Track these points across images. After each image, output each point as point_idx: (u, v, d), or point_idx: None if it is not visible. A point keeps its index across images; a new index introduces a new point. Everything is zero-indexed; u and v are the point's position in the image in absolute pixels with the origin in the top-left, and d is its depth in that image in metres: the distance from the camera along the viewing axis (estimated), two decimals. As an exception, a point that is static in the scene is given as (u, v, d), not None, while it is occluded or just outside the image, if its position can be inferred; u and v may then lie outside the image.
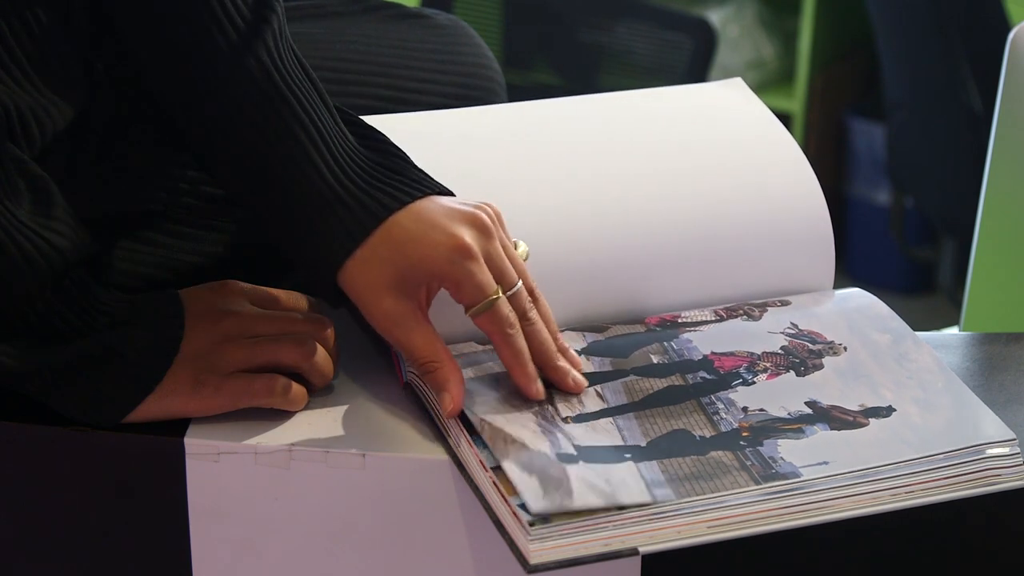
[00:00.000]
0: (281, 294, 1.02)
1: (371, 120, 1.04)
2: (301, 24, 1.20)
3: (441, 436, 0.96)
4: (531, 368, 0.97)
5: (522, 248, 1.02)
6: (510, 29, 2.48)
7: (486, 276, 0.96)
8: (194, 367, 0.96)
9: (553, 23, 2.47)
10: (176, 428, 0.96)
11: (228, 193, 1.05)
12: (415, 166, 1.00)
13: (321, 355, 0.99)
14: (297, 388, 0.98)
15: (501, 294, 0.96)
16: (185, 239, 1.08)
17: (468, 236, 0.96)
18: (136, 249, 1.06)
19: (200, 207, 1.08)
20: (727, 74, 3.12)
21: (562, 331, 1.02)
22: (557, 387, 0.98)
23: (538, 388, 0.97)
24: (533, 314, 0.98)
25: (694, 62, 2.32)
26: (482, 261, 0.96)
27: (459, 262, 0.95)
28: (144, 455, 0.96)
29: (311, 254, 0.98)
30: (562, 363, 0.99)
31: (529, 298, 0.99)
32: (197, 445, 0.96)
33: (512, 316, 0.97)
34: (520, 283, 0.98)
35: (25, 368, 0.93)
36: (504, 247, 0.99)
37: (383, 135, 1.02)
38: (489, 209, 0.99)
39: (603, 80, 2.43)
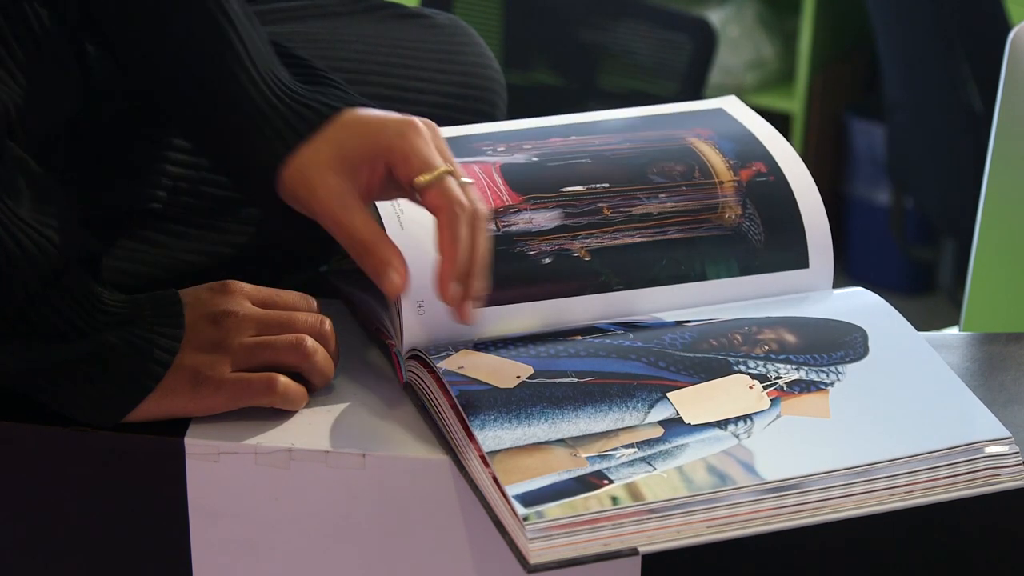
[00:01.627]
0: (281, 294, 1.02)
1: None
2: (301, 24, 1.20)
3: (441, 436, 0.96)
4: (463, 262, 0.95)
5: (465, 179, 1.01)
6: (510, 29, 2.47)
7: (434, 153, 0.95)
8: (194, 367, 0.96)
9: (553, 23, 2.47)
10: (176, 428, 0.96)
11: (171, 117, 1.04)
12: (350, 90, 1.01)
13: (321, 355, 0.99)
14: (297, 388, 0.98)
15: (454, 176, 0.96)
16: (185, 239, 1.08)
17: (418, 122, 0.96)
18: (136, 249, 1.06)
19: (200, 207, 1.08)
20: (727, 74, 3.13)
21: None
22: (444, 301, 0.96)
23: (453, 291, 0.95)
24: (481, 205, 0.97)
25: (694, 62, 2.32)
26: (431, 142, 0.96)
27: (407, 135, 0.95)
28: (144, 455, 0.96)
29: (250, 160, 0.98)
30: (476, 282, 0.96)
31: (477, 200, 0.97)
32: (197, 445, 0.96)
33: (464, 199, 0.95)
34: (471, 181, 0.97)
35: (25, 367, 0.93)
36: (442, 152, 0.98)
37: (321, 67, 1.03)
38: (428, 120, 0.99)
39: (603, 80, 2.43)
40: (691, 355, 1.00)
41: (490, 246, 0.99)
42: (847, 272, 3.22)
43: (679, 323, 1.04)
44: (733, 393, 0.97)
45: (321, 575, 0.98)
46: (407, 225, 1.03)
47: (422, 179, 0.95)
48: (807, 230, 1.11)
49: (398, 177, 0.97)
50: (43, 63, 0.95)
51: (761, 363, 1.00)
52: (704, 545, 0.90)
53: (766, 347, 1.02)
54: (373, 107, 1.00)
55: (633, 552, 0.89)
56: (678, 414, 0.95)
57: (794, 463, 0.93)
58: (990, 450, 0.95)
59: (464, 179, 0.97)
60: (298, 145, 0.97)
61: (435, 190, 0.95)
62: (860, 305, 1.08)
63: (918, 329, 1.06)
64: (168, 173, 1.07)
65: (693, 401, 0.96)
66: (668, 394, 0.97)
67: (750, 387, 0.98)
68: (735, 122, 1.16)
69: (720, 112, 1.17)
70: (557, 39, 2.48)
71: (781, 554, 0.96)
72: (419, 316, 1.01)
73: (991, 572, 1.00)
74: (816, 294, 1.10)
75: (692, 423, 0.95)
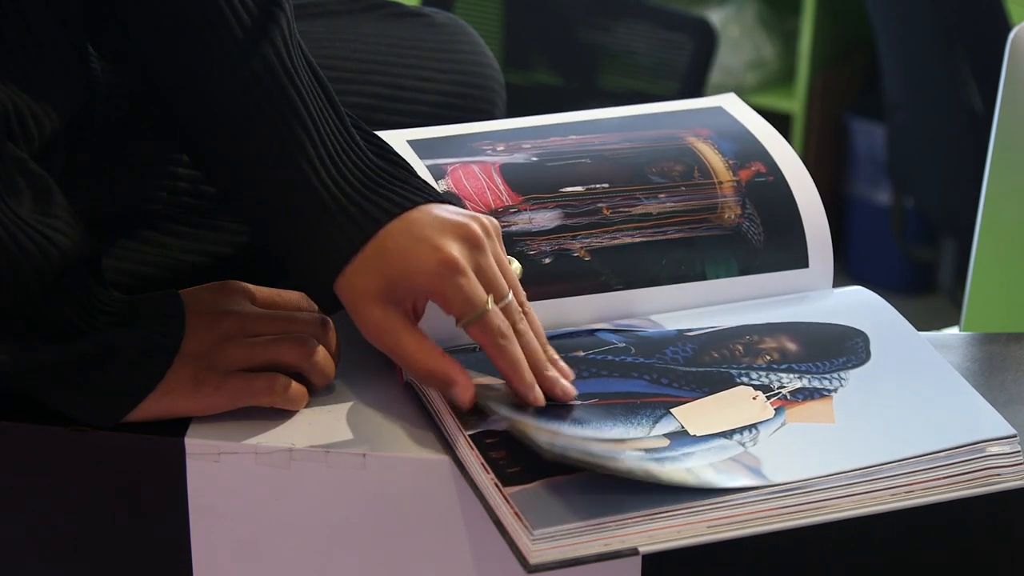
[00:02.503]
0: (282, 294, 1.02)
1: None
2: (301, 23, 1.20)
3: (441, 436, 0.96)
4: (528, 376, 0.97)
5: (515, 266, 1.02)
6: (510, 29, 2.48)
7: (474, 288, 0.95)
8: (195, 366, 0.96)
9: (553, 23, 2.47)
10: (176, 428, 0.96)
11: (226, 200, 1.03)
12: (416, 175, 1.00)
13: (322, 354, 0.99)
14: (297, 387, 0.98)
15: (492, 305, 0.96)
16: (185, 239, 1.08)
17: (455, 250, 0.95)
18: (136, 249, 1.06)
19: (200, 207, 1.08)
20: (727, 74, 3.13)
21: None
22: (547, 395, 0.97)
23: (537, 395, 0.97)
24: (523, 325, 0.98)
25: (694, 62, 2.32)
26: (470, 274, 0.95)
27: (445, 275, 0.95)
28: (144, 455, 0.96)
29: (308, 261, 0.97)
30: (551, 373, 0.98)
31: (520, 310, 0.98)
32: (197, 445, 0.96)
33: (504, 326, 0.96)
34: (511, 295, 0.97)
35: (25, 367, 0.93)
36: (497, 260, 0.98)
37: (387, 143, 1.01)
38: (485, 220, 0.98)
39: (603, 80, 2.43)
40: (693, 370, 1.00)
41: (542, 341, 0.99)
42: (847, 272, 3.22)
43: (681, 333, 1.04)
44: (737, 405, 0.97)
45: (321, 575, 0.98)
46: None
47: (463, 322, 0.96)
48: (807, 230, 1.11)
49: (443, 310, 0.97)
50: (44, 64, 0.95)
51: (764, 374, 1.00)
52: (704, 545, 0.90)
53: (768, 357, 1.02)
54: (441, 200, 0.98)
55: (633, 552, 0.88)
56: (683, 427, 0.95)
57: (801, 467, 0.93)
58: (992, 449, 0.95)
59: (506, 298, 0.97)
60: (351, 258, 0.96)
61: (475, 329, 0.96)
62: (860, 304, 1.08)
63: (918, 329, 1.06)
64: (168, 173, 1.07)
65: (697, 415, 0.96)
66: (672, 410, 0.97)
67: (753, 398, 0.98)
68: (734, 121, 1.16)
69: (719, 111, 1.17)
70: (557, 39, 2.48)
71: (781, 554, 0.96)
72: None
73: (992, 572, 1.00)
74: (816, 294, 1.10)
75: (697, 435, 0.95)
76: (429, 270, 0.95)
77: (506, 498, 0.90)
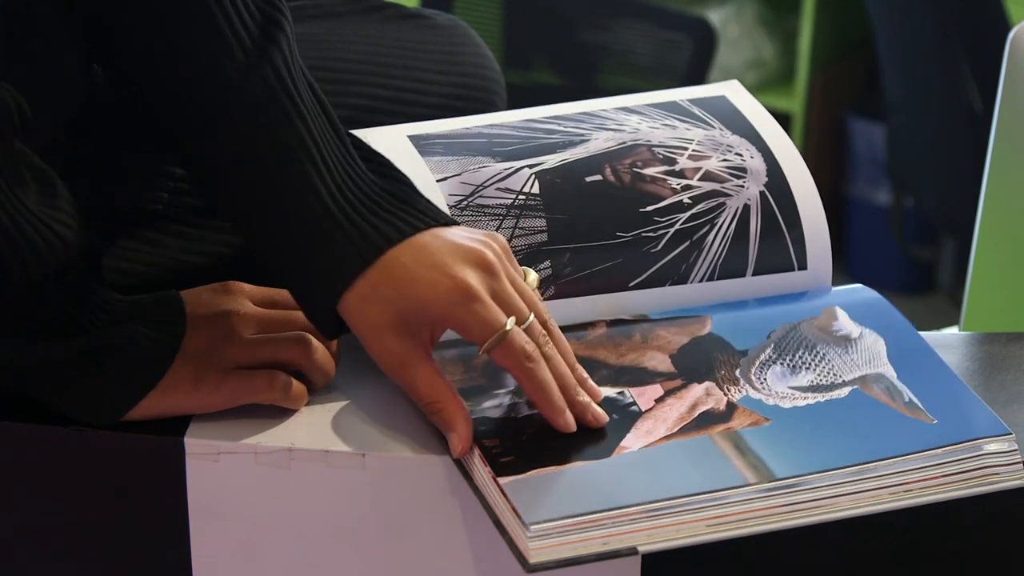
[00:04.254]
0: (282, 293, 1.02)
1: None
2: (301, 24, 1.20)
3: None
4: (558, 399, 0.94)
5: (532, 277, 1.00)
6: (510, 29, 2.48)
7: (493, 312, 0.93)
8: (195, 364, 0.96)
9: (553, 23, 2.47)
10: (176, 428, 0.96)
11: (228, 220, 1.02)
12: (421, 195, 0.98)
13: (322, 353, 1.00)
14: (297, 386, 0.98)
15: (512, 325, 0.93)
16: (185, 239, 1.08)
17: (471, 277, 0.93)
18: (136, 249, 1.06)
19: (200, 207, 1.08)
20: (727, 74, 3.13)
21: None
22: (578, 420, 0.95)
23: (567, 420, 0.94)
24: (549, 348, 0.95)
25: (694, 62, 2.32)
26: (487, 299, 0.93)
27: (462, 303, 0.93)
28: (144, 455, 0.96)
29: (309, 282, 0.96)
30: (583, 397, 0.95)
31: (543, 331, 0.96)
32: (197, 445, 0.96)
33: (529, 347, 0.93)
34: (532, 316, 0.95)
35: (26, 363, 0.93)
36: (512, 281, 0.96)
37: (390, 161, 0.99)
38: (494, 244, 0.96)
39: (603, 80, 2.43)
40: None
41: (570, 361, 0.97)
42: (847, 272, 3.22)
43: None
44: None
45: (321, 575, 0.98)
46: None
47: (485, 347, 0.93)
48: (806, 230, 1.11)
49: (463, 337, 0.95)
50: (49, 64, 0.95)
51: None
52: (704, 544, 0.90)
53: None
54: (446, 223, 0.97)
55: (633, 552, 0.89)
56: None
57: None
58: (989, 448, 0.95)
59: (527, 320, 0.95)
60: (352, 282, 0.94)
61: (499, 353, 0.93)
62: (858, 302, 1.08)
63: (918, 329, 1.06)
64: (169, 173, 1.07)
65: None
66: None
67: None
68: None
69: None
70: (557, 39, 2.48)
71: (781, 553, 0.96)
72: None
73: (991, 572, 1.00)
74: (814, 291, 1.10)
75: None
76: (443, 298, 0.93)
77: (505, 495, 0.90)
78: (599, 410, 0.96)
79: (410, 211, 0.96)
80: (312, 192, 0.95)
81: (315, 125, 0.96)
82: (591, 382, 0.98)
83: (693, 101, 1.16)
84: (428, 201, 0.98)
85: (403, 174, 0.99)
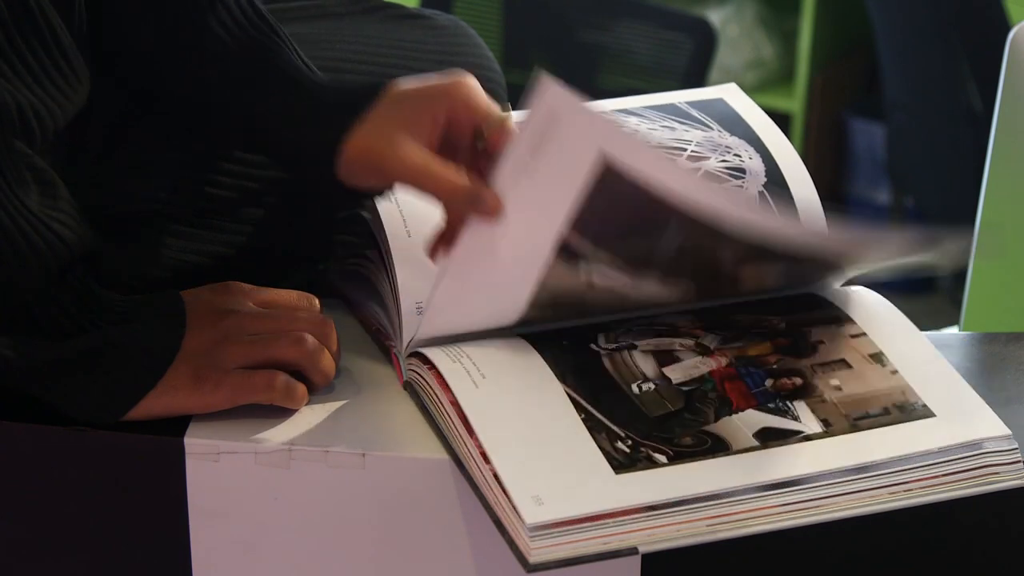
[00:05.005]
0: (282, 294, 1.02)
1: None
2: (301, 24, 1.20)
3: (441, 436, 0.97)
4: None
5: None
6: (510, 29, 2.48)
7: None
8: (195, 364, 0.96)
9: (553, 23, 2.47)
10: (176, 428, 0.97)
11: (229, 129, 1.07)
12: None
13: (322, 353, 1.00)
14: (298, 386, 0.98)
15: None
16: (185, 239, 1.08)
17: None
18: (136, 249, 1.06)
19: (200, 207, 1.08)
20: (727, 74, 3.13)
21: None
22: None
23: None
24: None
25: (694, 62, 2.32)
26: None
27: (463, 82, 1.00)
28: (144, 455, 0.96)
29: (319, 128, 1.01)
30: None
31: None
32: (197, 445, 0.96)
33: None
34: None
35: (27, 362, 0.93)
36: None
37: None
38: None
39: (603, 80, 2.43)
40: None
41: None
42: (847, 272, 3.21)
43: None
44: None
45: (321, 575, 0.98)
46: (413, 232, 1.03)
47: (487, 128, 0.99)
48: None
49: (459, 126, 1.00)
50: (52, 65, 0.95)
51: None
52: (704, 544, 0.90)
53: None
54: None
55: (633, 551, 0.89)
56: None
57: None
58: (989, 448, 0.95)
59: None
60: (362, 114, 1.00)
61: (500, 134, 0.99)
62: (861, 304, 1.08)
63: (918, 329, 1.06)
64: (168, 173, 1.08)
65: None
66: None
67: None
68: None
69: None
70: (557, 39, 2.48)
71: (781, 553, 0.96)
72: (419, 318, 1.01)
73: (991, 572, 1.00)
74: (809, 293, 1.10)
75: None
76: (444, 81, 1.01)
77: (506, 494, 0.90)
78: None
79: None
80: (307, 69, 1.04)
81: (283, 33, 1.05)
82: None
83: (691, 104, 1.17)
84: None
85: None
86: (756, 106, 1.17)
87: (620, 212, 0.97)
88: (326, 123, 1.01)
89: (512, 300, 1.00)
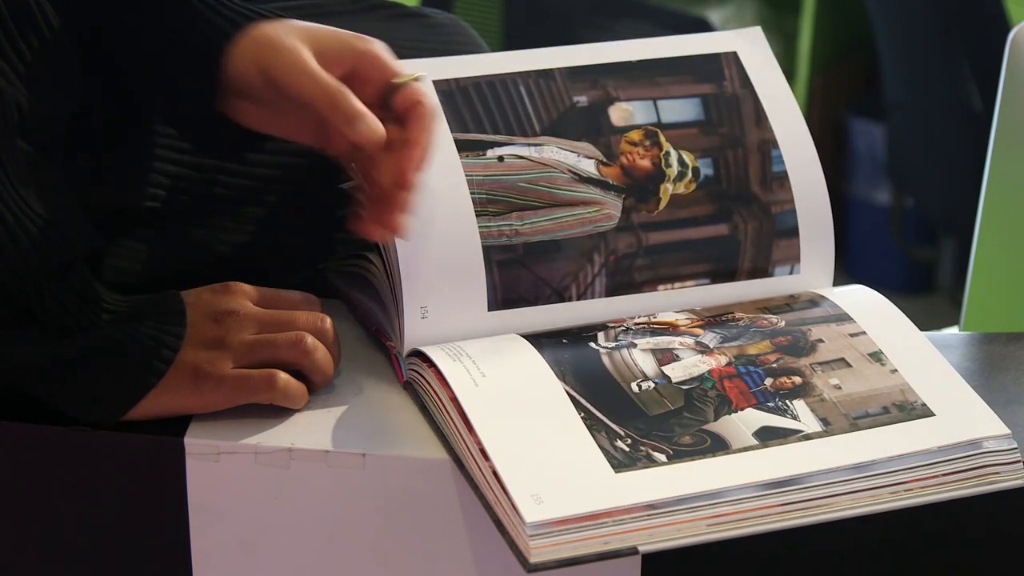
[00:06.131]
0: (282, 293, 1.02)
1: None
2: (301, 24, 1.20)
3: (441, 436, 0.97)
4: (424, 162, 0.98)
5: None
6: (510, 29, 2.48)
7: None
8: (195, 363, 0.96)
9: (553, 23, 2.47)
10: (176, 428, 0.97)
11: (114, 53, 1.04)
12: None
13: (322, 352, 1.00)
14: (297, 385, 0.98)
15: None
16: (185, 239, 1.08)
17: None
18: (136, 249, 1.06)
19: (200, 207, 1.08)
20: (727, 74, 3.12)
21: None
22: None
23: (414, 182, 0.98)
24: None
25: (694, 62, 2.31)
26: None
27: (375, 42, 0.99)
28: (144, 455, 0.96)
29: (200, 36, 0.98)
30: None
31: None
32: (197, 445, 0.96)
33: (434, 96, 1.01)
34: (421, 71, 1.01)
35: (27, 363, 0.93)
36: None
37: None
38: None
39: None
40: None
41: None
42: (847, 272, 3.22)
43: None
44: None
45: (321, 575, 0.98)
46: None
47: (399, 80, 0.98)
48: (807, 232, 1.11)
49: (365, 80, 0.99)
50: (50, 63, 0.95)
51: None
52: (704, 544, 0.90)
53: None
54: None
55: (633, 551, 0.89)
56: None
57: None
58: (989, 448, 0.95)
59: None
60: (256, 22, 0.98)
61: (413, 88, 0.98)
62: (860, 303, 1.08)
63: (918, 329, 1.06)
64: (168, 173, 1.07)
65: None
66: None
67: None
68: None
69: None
70: (557, 39, 2.48)
71: (781, 553, 0.96)
72: (421, 320, 1.01)
73: (991, 572, 1.00)
74: (816, 292, 1.10)
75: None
76: (358, 36, 0.99)
77: (506, 494, 0.90)
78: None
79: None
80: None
81: None
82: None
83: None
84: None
85: None
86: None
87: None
88: (211, 29, 0.98)
89: (459, 212, 1.02)
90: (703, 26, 2.35)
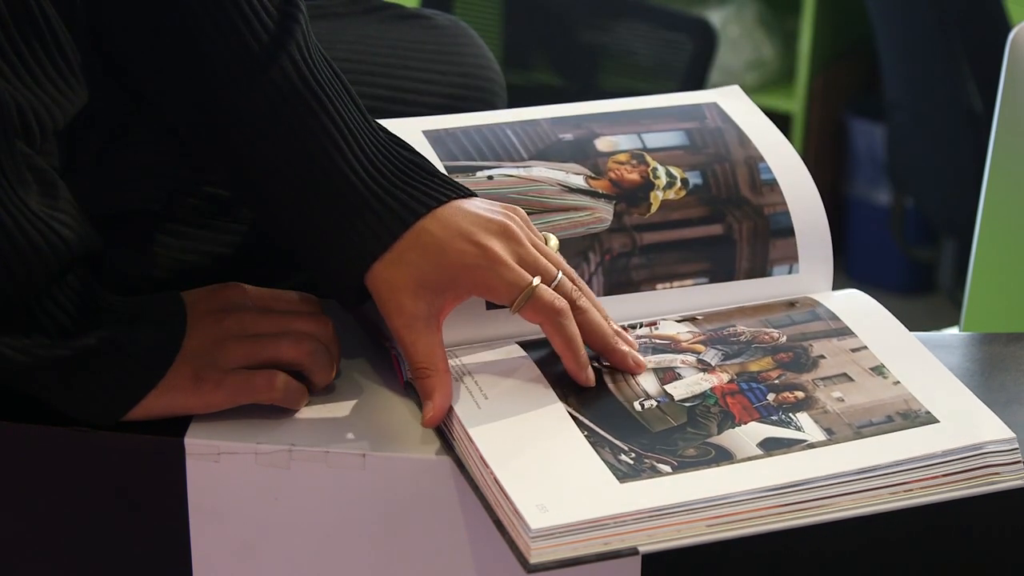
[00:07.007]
0: (281, 294, 1.02)
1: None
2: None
3: (441, 435, 0.96)
4: (583, 355, 0.99)
5: (553, 241, 1.03)
6: (510, 29, 2.48)
7: (518, 273, 0.97)
8: (195, 363, 0.96)
9: (553, 23, 2.47)
10: (176, 428, 0.97)
11: (245, 202, 1.05)
12: (439, 170, 1.01)
13: (322, 353, 1.00)
14: (297, 385, 0.98)
15: (539, 282, 0.97)
16: (185, 239, 1.08)
17: (496, 243, 0.97)
18: (136, 249, 1.06)
19: (200, 207, 1.08)
20: (727, 74, 3.13)
21: None
22: (618, 369, 1.00)
23: (588, 375, 0.99)
24: (583, 301, 0.99)
25: (694, 62, 2.32)
26: (512, 263, 0.97)
27: (489, 267, 0.96)
28: (144, 455, 0.96)
29: (338, 256, 0.98)
30: (621, 346, 1.00)
31: (574, 287, 0.99)
32: (197, 445, 0.96)
33: (559, 302, 0.97)
34: (560, 274, 0.99)
35: (27, 362, 0.93)
36: (535, 246, 0.99)
37: (403, 140, 1.02)
38: (514, 215, 1.00)
39: (603, 80, 2.43)
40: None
41: (603, 314, 1.01)
42: (847, 272, 3.22)
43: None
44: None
45: (321, 575, 0.98)
46: None
47: (515, 305, 0.97)
48: (806, 232, 1.11)
49: (494, 301, 1.00)
50: (52, 65, 0.95)
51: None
52: (704, 545, 0.90)
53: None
54: (459, 191, 0.99)
55: (633, 552, 0.89)
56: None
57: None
58: (989, 448, 0.95)
59: (556, 277, 0.98)
60: (390, 246, 0.97)
61: (529, 310, 0.97)
62: (854, 308, 1.08)
63: (918, 329, 1.06)
64: (168, 174, 1.08)
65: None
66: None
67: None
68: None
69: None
70: (557, 39, 2.48)
71: (781, 553, 0.96)
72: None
73: (991, 572, 1.00)
74: (814, 297, 1.10)
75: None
76: (470, 264, 0.96)
77: (506, 495, 0.90)
78: (639, 357, 1.00)
79: (436, 183, 0.99)
80: (343, 161, 0.98)
81: (338, 107, 0.99)
82: (627, 335, 1.02)
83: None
84: (448, 175, 1.01)
85: (418, 151, 1.02)
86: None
87: None
88: (351, 250, 0.97)
89: None
90: (703, 26, 2.35)
